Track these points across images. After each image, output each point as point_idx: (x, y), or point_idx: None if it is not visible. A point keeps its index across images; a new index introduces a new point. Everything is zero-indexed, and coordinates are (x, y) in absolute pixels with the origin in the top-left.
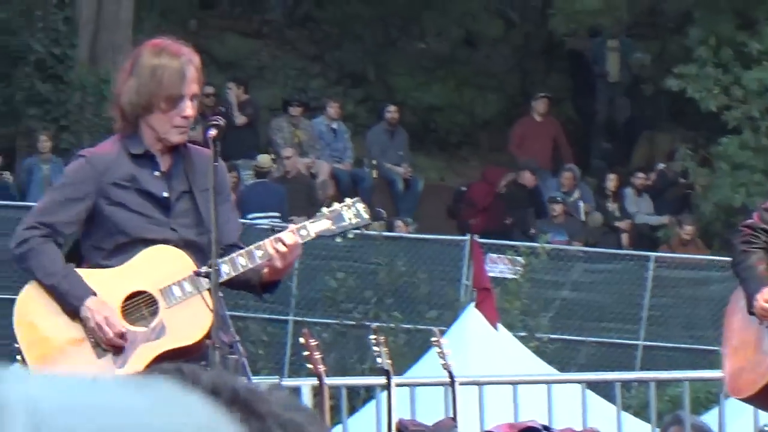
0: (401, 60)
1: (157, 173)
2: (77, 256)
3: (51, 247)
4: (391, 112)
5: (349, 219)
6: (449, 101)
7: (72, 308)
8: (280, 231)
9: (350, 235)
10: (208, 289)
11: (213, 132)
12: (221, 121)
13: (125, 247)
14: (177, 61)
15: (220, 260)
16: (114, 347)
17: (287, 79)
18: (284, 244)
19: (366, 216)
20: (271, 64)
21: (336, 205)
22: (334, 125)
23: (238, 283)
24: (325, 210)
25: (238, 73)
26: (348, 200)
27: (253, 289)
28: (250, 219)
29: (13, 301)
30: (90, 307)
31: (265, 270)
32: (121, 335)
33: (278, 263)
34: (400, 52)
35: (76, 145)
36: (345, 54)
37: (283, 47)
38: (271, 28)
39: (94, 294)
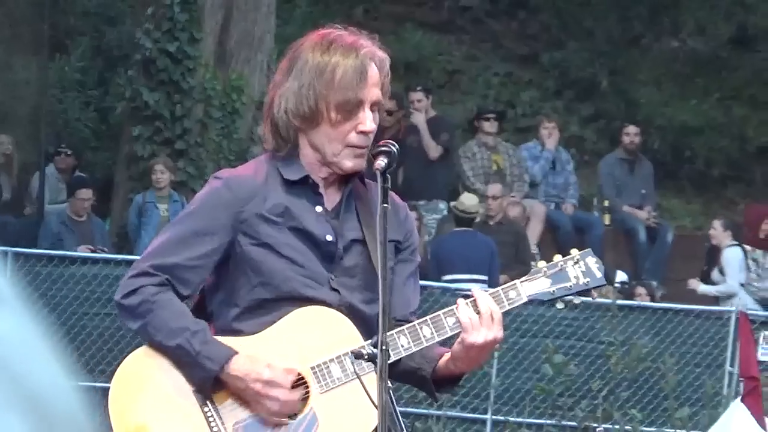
0: (646, 64)
1: (319, 208)
2: (202, 318)
3: (171, 298)
4: (631, 135)
5: (575, 278)
6: (711, 121)
7: (207, 377)
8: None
9: (576, 301)
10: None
11: (382, 162)
12: (393, 148)
13: (267, 305)
14: (354, 57)
15: (396, 330)
16: (289, 415)
17: (488, 88)
18: (489, 308)
19: (599, 275)
20: (466, 68)
21: (558, 259)
22: (552, 152)
23: (404, 372)
24: (542, 265)
25: (420, 80)
26: (575, 252)
27: (422, 382)
28: (446, 282)
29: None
30: (237, 371)
31: (446, 356)
32: (295, 384)
33: (473, 336)
34: (644, 53)
35: (196, 177)
36: (568, 55)
37: (483, 45)
38: (467, 18)
39: (236, 352)
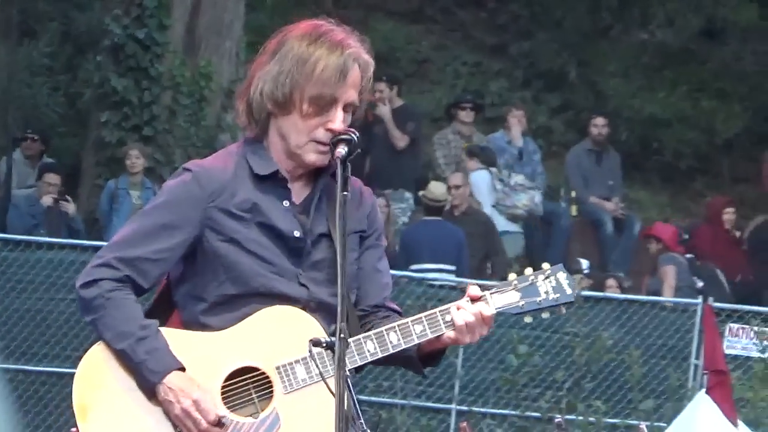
0: (615, 56)
1: (286, 203)
2: (168, 305)
3: (126, 297)
4: (599, 126)
5: (546, 293)
6: (679, 113)
7: (147, 386)
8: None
9: (544, 315)
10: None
11: (342, 150)
12: (354, 136)
13: (234, 301)
14: (338, 54)
15: (363, 335)
16: None
17: (456, 78)
18: (480, 312)
19: (569, 291)
20: (435, 58)
21: (528, 273)
22: (520, 143)
23: (389, 356)
24: (513, 278)
25: (389, 70)
26: (546, 266)
27: (408, 361)
28: (413, 272)
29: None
30: (172, 386)
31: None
32: (219, 423)
33: (468, 338)
34: (613, 44)
35: (163, 163)
36: (537, 46)
37: (453, 35)
38: (437, 8)
39: (181, 368)
